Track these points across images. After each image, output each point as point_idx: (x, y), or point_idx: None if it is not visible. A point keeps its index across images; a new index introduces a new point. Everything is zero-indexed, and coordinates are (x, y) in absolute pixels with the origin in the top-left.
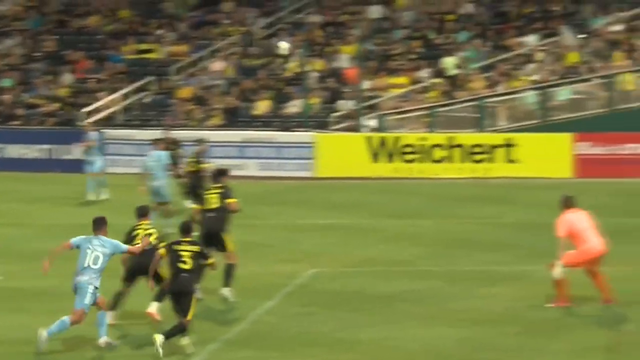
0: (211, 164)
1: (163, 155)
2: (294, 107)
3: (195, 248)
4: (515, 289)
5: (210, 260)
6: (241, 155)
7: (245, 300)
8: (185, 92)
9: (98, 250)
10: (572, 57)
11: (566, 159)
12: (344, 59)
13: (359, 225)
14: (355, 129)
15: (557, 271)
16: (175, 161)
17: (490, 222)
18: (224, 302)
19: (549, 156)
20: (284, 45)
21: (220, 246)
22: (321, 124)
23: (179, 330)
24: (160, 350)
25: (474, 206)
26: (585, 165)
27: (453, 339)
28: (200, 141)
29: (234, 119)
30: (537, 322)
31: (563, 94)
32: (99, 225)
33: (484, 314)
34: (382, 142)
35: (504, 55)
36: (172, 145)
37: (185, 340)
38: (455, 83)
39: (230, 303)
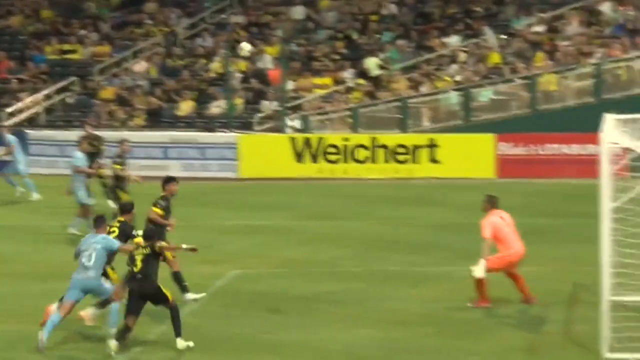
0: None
1: (79, 156)
2: (217, 107)
3: (146, 250)
4: (435, 290)
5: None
6: (164, 156)
7: None
8: (108, 92)
9: (91, 248)
10: (494, 58)
11: (488, 159)
12: (268, 59)
13: (282, 227)
14: (279, 129)
15: (479, 271)
16: (97, 159)
17: (412, 223)
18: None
19: (471, 157)
20: (246, 47)
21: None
22: (245, 125)
23: (176, 316)
24: (186, 343)
25: (397, 207)
26: (507, 166)
27: (374, 340)
28: (122, 142)
29: (157, 119)
30: (457, 323)
31: (485, 94)
32: (98, 223)
33: (404, 315)
34: (306, 143)
35: (427, 56)
36: (94, 142)
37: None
38: (378, 83)
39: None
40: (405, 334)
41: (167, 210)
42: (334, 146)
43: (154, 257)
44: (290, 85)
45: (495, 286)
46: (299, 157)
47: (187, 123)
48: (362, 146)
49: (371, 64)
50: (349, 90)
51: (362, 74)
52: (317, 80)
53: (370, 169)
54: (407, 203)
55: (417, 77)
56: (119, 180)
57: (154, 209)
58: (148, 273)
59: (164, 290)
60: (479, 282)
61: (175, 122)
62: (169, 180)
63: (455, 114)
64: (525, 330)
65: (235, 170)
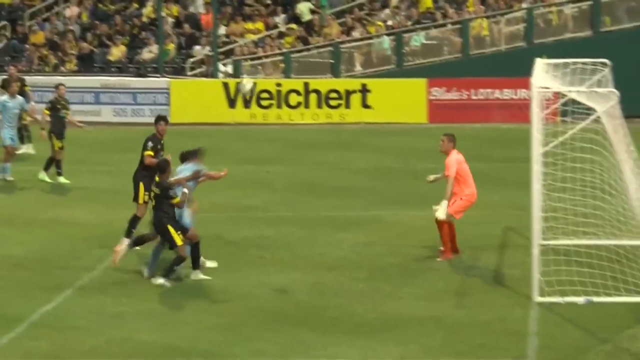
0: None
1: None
2: (149, 53)
3: (156, 189)
4: (366, 234)
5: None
6: (96, 101)
7: (96, 248)
8: (39, 37)
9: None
10: (426, 3)
11: (421, 104)
12: (199, 4)
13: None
14: (211, 74)
15: (442, 212)
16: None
17: (344, 167)
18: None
19: (403, 102)
20: (247, 85)
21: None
22: (177, 70)
23: (177, 261)
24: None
25: (328, 152)
26: (439, 111)
27: (304, 285)
28: (58, 86)
29: (89, 64)
30: (388, 268)
31: (417, 39)
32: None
33: (334, 260)
34: (239, 88)
35: (359, 1)
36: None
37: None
38: (310, 28)
39: (82, 251)
40: (336, 278)
41: (156, 151)
42: (267, 91)
43: (164, 196)
44: (222, 30)
45: (427, 231)
46: (231, 102)
47: (119, 68)
48: (294, 91)
49: (303, 8)
50: (281, 35)
51: (294, 18)
52: (249, 25)
53: (303, 114)
54: (339, 148)
55: (349, 22)
56: (56, 126)
57: (146, 152)
58: (156, 213)
59: (173, 235)
60: (444, 229)
61: (107, 67)
62: (157, 119)
63: (388, 59)
64: (456, 274)
65: (167, 115)
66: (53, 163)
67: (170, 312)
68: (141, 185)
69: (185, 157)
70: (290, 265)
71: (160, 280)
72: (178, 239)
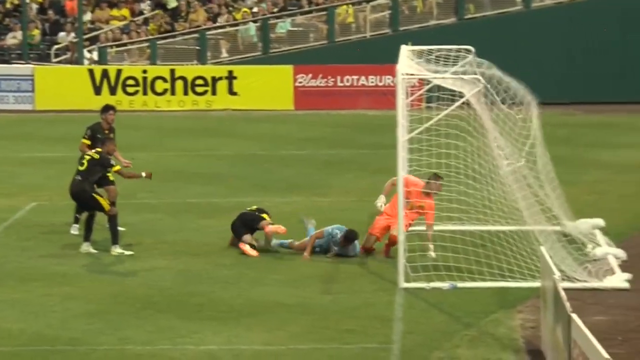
0: None
1: None
2: (13, 39)
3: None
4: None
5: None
6: None
7: None
8: None
9: None
10: None
11: (287, 91)
12: None
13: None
14: (76, 61)
15: (380, 202)
16: None
17: (209, 154)
18: None
19: (270, 88)
20: None
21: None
22: (41, 57)
23: (112, 221)
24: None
25: (194, 139)
26: (305, 97)
27: (171, 272)
28: None
29: None
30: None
31: (283, 26)
32: None
33: (200, 246)
34: (104, 75)
35: None
36: None
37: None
38: (176, 15)
39: None
40: (202, 265)
41: (94, 140)
42: (133, 78)
43: (101, 166)
44: (87, 16)
45: (292, 216)
46: (97, 89)
47: None
48: (160, 78)
49: None
50: (147, 21)
51: (160, 5)
52: (115, 12)
53: (169, 101)
54: (205, 135)
55: (215, 9)
56: None
57: (82, 139)
58: (89, 178)
59: (100, 200)
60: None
61: None
62: (104, 109)
63: (254, 46)
64: (322, 260)
65: (32, 102)
66: None
67: (38, 300)
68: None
69: None
70: (157, 252)
71: (118, 250)
72: (105, 203)
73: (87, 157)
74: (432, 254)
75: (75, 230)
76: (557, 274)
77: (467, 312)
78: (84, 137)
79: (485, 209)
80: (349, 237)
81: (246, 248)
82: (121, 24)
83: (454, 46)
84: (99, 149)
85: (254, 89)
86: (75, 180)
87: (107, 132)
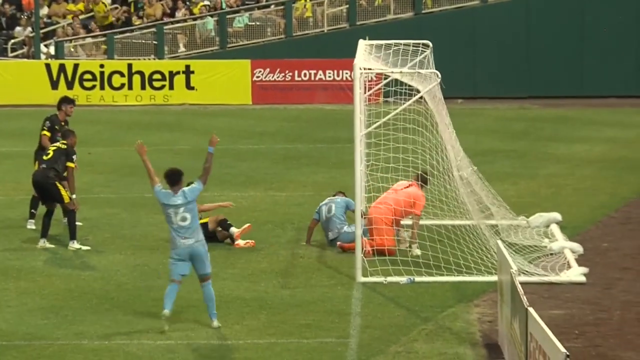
0: None
1: None
2: None
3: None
4: None
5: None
6: None
7: None
8: None
9: None
10: None
11: (245, 85)
12: None
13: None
14: (32, 56)
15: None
16: None
17: (166, 149)
18: None
19: (227, 83)
20: None
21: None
22: None
23: (70, 216)
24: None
25: (151, 133)
26: (263, 92)
27: (127, 266)
28: None
29: None
30: (210, 248)
31: (241, 20)
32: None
33: (157, 241)
34: (61, 70)
35: None
36: None
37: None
38: (134, 9)
39: None
40: (159, 259)
41: (52, 132)
42: (90, 72)
43: (66, 156)
44: (44, 10)
45: (249, 211)
46: (54, 83)
47: None
48: (118, 72)
49: None
50: (104, 16)
51: None
52: (71, 7)
53: (127, 96)
54: (162, 129)
55: (172, 3)
56: None
57: (42, 132)
58: (54, 166)
59: (62, 191)
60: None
61: None
62: (66, 100)
63: (211, 41)
64: (280, 255)
65: None
66: None
67: None
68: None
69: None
70: (114, 247)
71: (75, 245)
72: (66, 195)
73: (53, 148)
74: (417, 251)
75: (31, 225)
76: (514, 268)
77: (425, 306)
78: (44, 129)
79: (442, 204)
80: None
81: (241, 243)
82: (79, 18)
83: (411, 40)
84: (64, 141)
85: (212, 84)
86: (40, 168)
87: (63, 124)
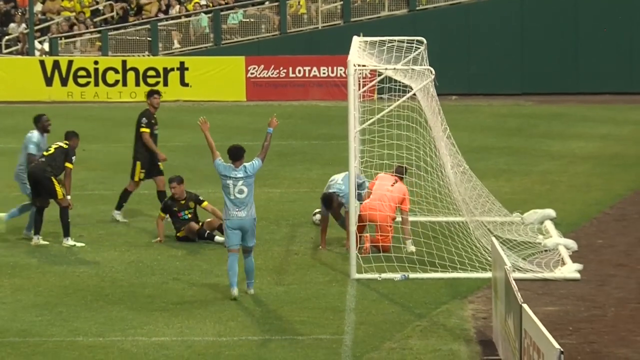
0: None
1: None
2: None
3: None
4: None
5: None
6: None
7: None
8: None
9: None
10: None
11: (239, 82)
12: None
13: None
14: (27, 52)
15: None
16: None
17: (161, 145)
18: None
19: (222, 80)
20: None
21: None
22: None
23: (63, 213)
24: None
25: None
26: (257, 89)
27: (121, 263)
28: None
29: None
30: (205, 245)
31: (235, 17)
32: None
33: (151, 238)
34: (55, 66)
35: None
36: None
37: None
38: (128, 6)
39: None
40: (153, 256)
41: (151, 126)
42: (84, 69)
43: (65, 155)
44: (38, 7)
45: None
46: (48, 80)
47: None
48: (112, 69)
49: None
50: (98, 12)
51: None
52: (65, 3)
53: (121, 92)
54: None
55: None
56: None
57: (142, 129)
58: (52, 163)
59: (56, 186)
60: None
61: None
62: (148, 94)
63: (206, 37)
64: (274, 251)
65: None
66: None
67: None
68: (138, 164)
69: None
70: (108, 244)
71: (69, 242)
72: (60, 191)
73: (55, 146)
74: (412, 247)
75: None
76: (508, 265)
77: (419, 302)
78: (142, 126)
79: (436, 200)
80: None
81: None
82: (73, 14)
83: (405, 37)
84: (67, 141)
85: (206, 80)
86: (38, 162)
87: (154, 117)
